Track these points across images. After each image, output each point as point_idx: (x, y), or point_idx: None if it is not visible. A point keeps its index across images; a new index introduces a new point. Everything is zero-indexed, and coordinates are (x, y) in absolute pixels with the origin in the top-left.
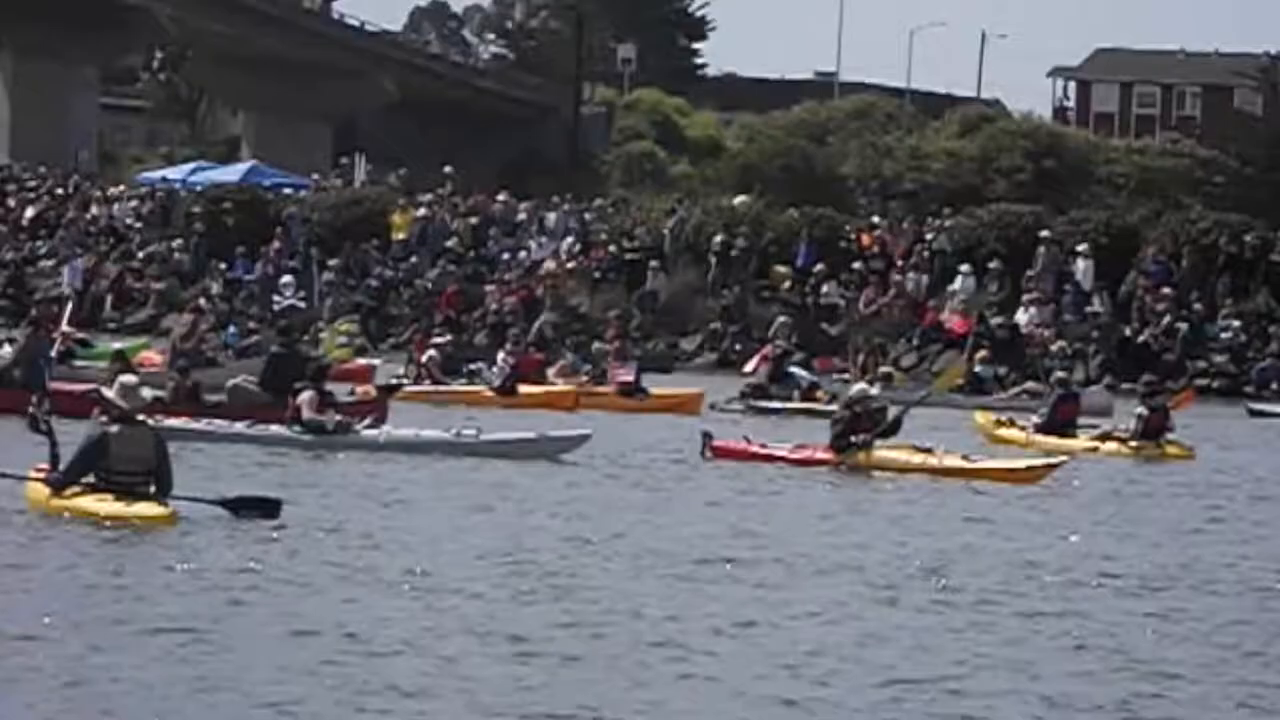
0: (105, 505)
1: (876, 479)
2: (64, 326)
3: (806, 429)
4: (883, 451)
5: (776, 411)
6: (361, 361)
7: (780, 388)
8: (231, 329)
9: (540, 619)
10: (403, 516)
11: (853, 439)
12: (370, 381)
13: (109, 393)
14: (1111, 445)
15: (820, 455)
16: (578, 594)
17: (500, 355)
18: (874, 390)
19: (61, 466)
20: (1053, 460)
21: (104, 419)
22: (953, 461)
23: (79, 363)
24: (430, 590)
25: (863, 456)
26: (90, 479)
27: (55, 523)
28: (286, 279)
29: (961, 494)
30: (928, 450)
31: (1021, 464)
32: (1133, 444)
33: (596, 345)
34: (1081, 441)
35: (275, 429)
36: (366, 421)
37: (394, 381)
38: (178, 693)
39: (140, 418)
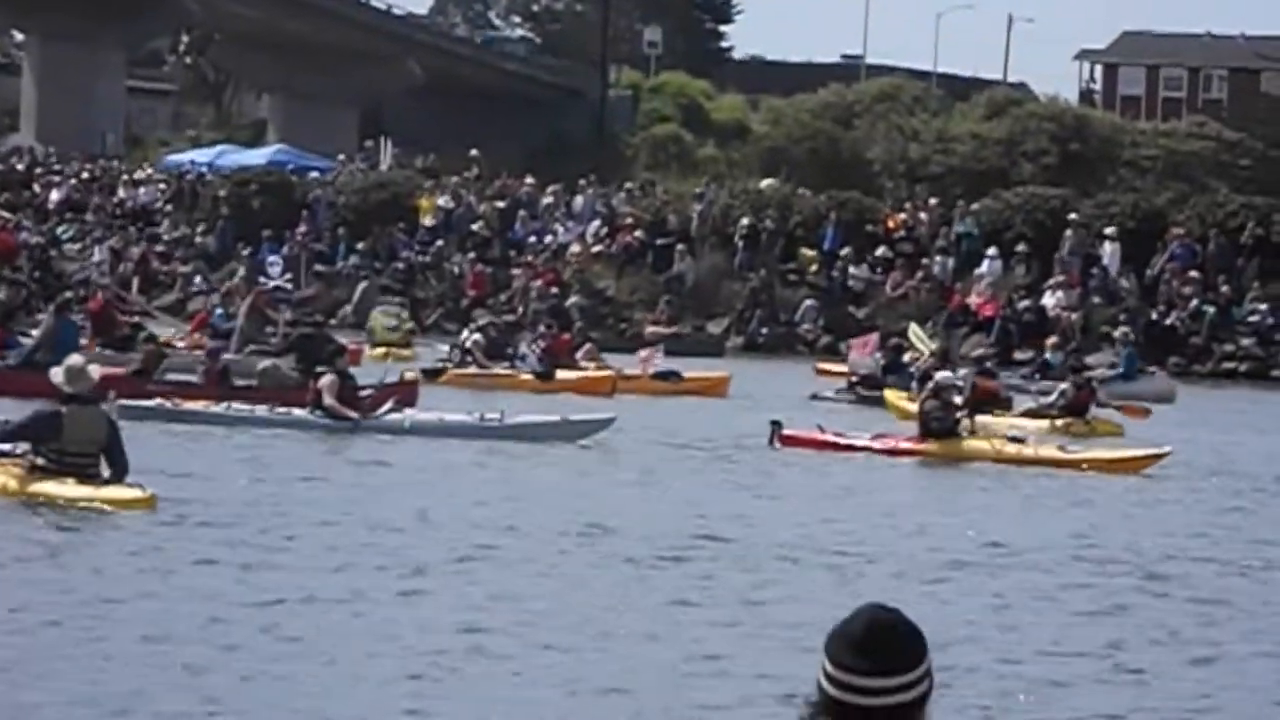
0: (74, 489)
1: (974, 469)
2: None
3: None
4: (974, 442)
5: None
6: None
7: (897, 379)
8: (218, 311)
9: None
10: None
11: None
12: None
13: (56, 376)
14: (1040, 422)
15: (904, 445)
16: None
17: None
18: (957, 377)
19: None
20: (1157, 450)
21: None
22: (1048, 452)
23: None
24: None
25: (956, 446)
26: (42, 461)
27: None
28: (274, 259)
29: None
30: (1020, 441)
31: (1122, 454)
32: (1059, 420)
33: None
34: (1004, 419)
35: (298, 413)
36: (388, 406)
37: (438, 364)
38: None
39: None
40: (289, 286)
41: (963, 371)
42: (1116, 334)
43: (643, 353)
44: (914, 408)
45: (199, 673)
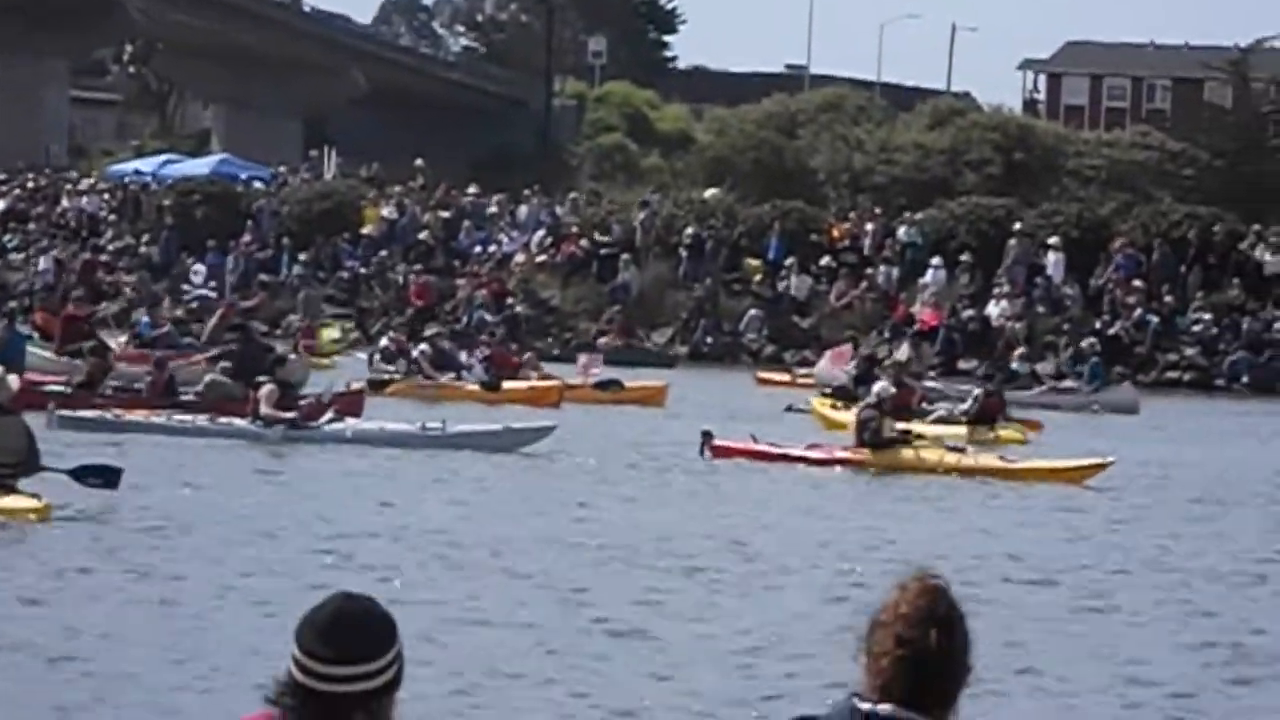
0: None
1: (913, 479)
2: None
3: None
4: (911, 451)
5: None
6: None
7: (868, 390)
8: (144, 319)
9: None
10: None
11: (897, 430)
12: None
13: None
14: (948, 429)
15: (840, 455)
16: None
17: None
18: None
19: None
20: (1100, 460)
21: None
22: (988, 461)
23: None
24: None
25: (894, 456)
26: None
27: None
28: (198, 267)
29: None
30: (960, 450)
31: (1064, 464)
32: (966, 427)
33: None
34: (918, 426)
35: (239, 423)
36: (328, 415)
37: (385, 376)
38: None
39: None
40: (213, 295)
41: (883, 382)
42: (1083, 344)
43: (582, 360)
44: (839, 417)
45: (70, 682)
